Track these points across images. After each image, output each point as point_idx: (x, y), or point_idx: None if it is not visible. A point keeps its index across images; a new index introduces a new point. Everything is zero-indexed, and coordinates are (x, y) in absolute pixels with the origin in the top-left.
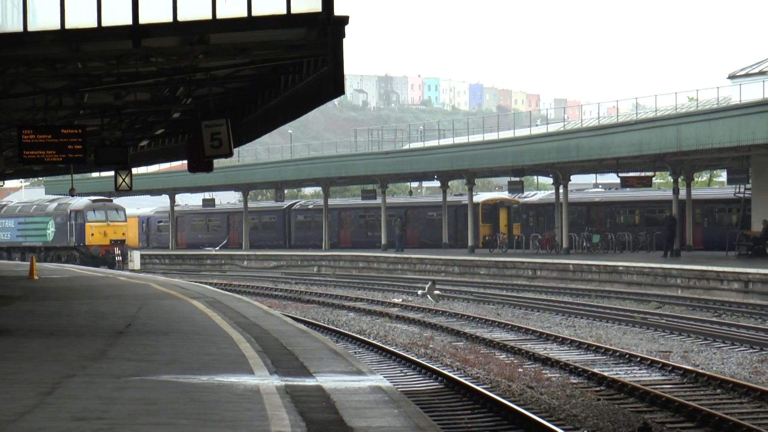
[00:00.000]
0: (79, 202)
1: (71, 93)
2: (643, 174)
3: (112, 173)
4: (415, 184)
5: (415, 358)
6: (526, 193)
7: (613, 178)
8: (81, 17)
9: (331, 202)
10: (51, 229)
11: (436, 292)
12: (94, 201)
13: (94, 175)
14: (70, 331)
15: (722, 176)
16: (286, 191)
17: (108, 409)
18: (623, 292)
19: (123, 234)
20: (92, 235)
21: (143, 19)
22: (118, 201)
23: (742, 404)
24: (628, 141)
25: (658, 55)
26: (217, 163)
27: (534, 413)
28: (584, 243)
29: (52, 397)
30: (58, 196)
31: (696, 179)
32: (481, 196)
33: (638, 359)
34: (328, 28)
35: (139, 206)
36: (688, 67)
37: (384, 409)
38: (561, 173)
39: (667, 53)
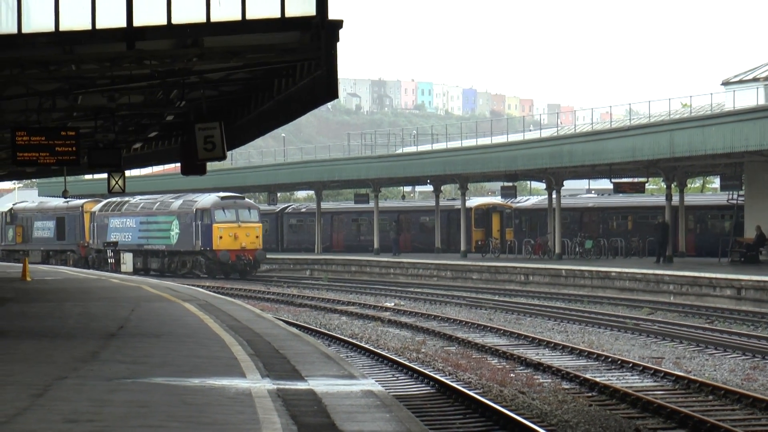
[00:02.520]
0: (206, 199)
1: (65, 95)
2: (636, 180)
3: (105, 175)
4: (407, 189)
5: (407, 363)
6: (518, 198)
7: (606, 184)
8: (75, 19)
9: (324, 205)
10: (175, 231)
11: None
12: (222, 198)
13: (87, 177)
14: (62, 333)
15: (715, 182)
16: (278, 195)
17: (100, 411)
18: (615, 298)
19: (257, 237)
20: (220, 238)
21: (137, 22)
22: None
23: (734, 411)
24: (622, 147)
25: (652, 61)
26: (210, 166)
27: (526, 418)
28: (577, 248)
29: (44, 399)
30: (183, 193)
31: (689, 185)
32: (473, 201)
33: (630, 365)
34: (322, 32)
35: None
36: (681, 73)
37: (375, 414)
38: (554, 178)
39: (661, 59)
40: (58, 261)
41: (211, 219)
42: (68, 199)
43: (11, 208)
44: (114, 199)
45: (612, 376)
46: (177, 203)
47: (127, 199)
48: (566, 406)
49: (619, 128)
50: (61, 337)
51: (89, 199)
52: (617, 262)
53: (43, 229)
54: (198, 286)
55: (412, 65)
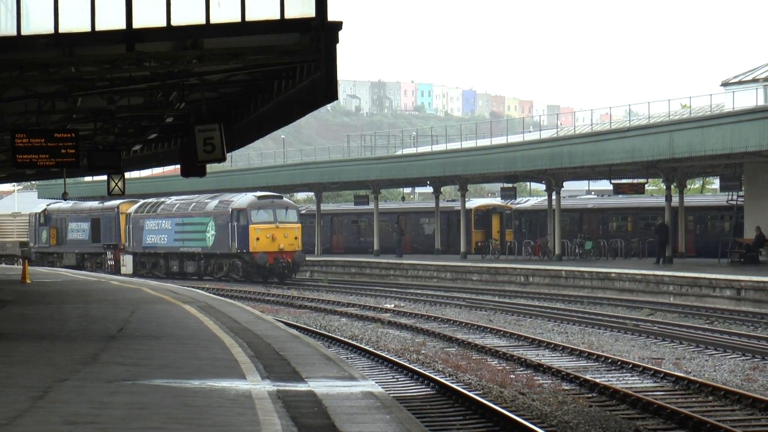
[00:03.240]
0: (243, 199)
1: (64, 97)
2: (635, 181)
3: (104, 177)
4: (407, 190)
5: (407, 364)
6: (518, 200)
7: (605, 185)
8: (75, 21)
9: (324, 207)
10: (211, 232)
11: None
12: (259, 198)
13: (87, 179)
14: (62, 335)
15: (715, 183)
16: None
17: (100, 413)
18: (615, 299)
19: (296, 238)
20: (257, 239)
21: (137, 24)
22: None
23: (734, 411)
24: (621, 148)
25: (652, 61)
26: (210, 168)
27: (526, 419)
28: (577, 249)
29: (44, 402)
30: (219, 192)
31: (689, 186)
32: (473, 202)
33: (630, 366)
34: (321, 34)
35: None
36: (681, 74)
37: (376, 415)
38: (554, 180)
39: (660, 60)
40: (93, 264)
41: (248, 220)
42: (103, 200)
43: (45, 209)
44: (150, 200)
45: (612, 377)
46: (213, 203)
47: (162, 199)
48: (566, 407)
49: (619, 129)
50: (61, 340)
51: (125, 200)
52: (617, 263)
53: (78, 231)
54: (198, 287)
55: (411, 67)
